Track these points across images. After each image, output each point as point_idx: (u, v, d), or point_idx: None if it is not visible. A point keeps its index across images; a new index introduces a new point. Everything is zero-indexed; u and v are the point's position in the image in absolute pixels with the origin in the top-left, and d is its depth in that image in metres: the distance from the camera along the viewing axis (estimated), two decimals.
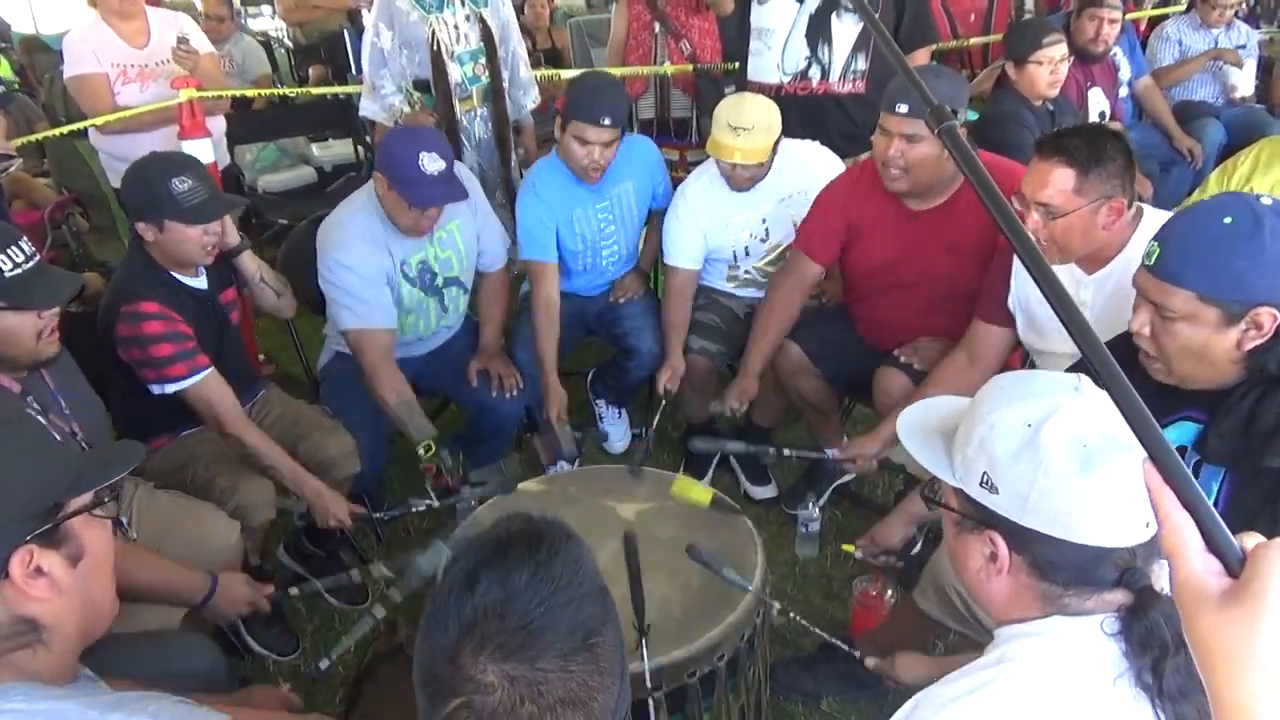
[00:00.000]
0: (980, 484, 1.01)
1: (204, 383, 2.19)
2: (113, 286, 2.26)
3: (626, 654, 0.91)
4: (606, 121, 2.65)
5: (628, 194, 2.96)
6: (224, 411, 2.22)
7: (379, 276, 2.50)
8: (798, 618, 1.90)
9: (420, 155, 2.34)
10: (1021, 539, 0.99)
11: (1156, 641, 0.92)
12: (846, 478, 2.92)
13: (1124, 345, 1.55)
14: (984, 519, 1.02)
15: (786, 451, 2.53)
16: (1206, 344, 1.42)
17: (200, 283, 2.32)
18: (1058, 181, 1.88)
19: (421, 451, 2.40)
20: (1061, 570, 0.97)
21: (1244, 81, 4.52)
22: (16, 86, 5.72)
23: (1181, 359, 1.46)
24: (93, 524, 1.13)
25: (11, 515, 1.03)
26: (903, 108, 2.27)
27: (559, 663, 0.81)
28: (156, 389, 2.17)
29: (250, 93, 4.74)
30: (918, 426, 1.13)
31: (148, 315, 2.14)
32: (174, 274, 2.26)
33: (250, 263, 2.48)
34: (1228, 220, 1.40)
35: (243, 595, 1.97)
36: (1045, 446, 0.96)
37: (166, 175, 2.14)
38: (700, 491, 2.08)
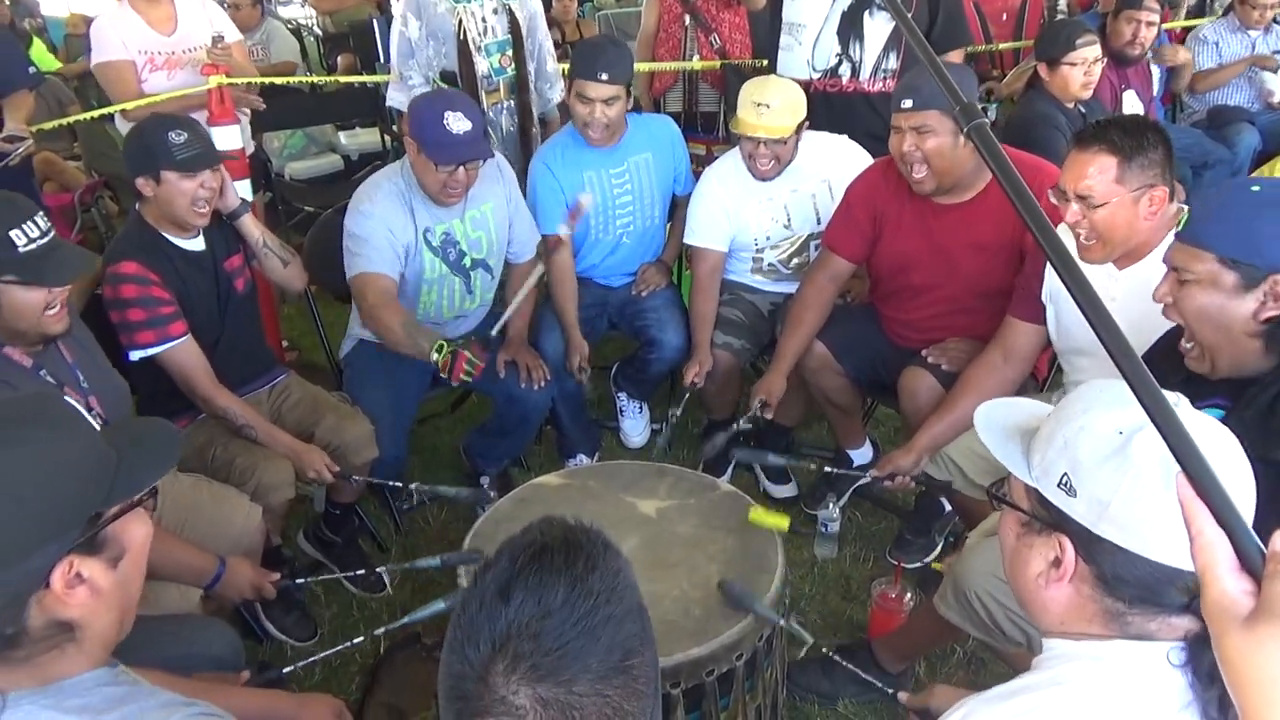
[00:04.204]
0: (1058, 485, 0.97)
1: (175, 350, 2.22)
2: (106, 252, 2.28)
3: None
4: (603, 77, 2.68)
5: (646, 165, 2.96)
6: (195, 377, 2.25)
7: (397, 234, 2.51)
8: (833, 654, 1.90)
9: (445, 114, 2.37)
10: (1092, 547, 0.95)
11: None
12: (866, 479, 2.89)
13: (1171, 339, 1.55)
14: (1055, 522, 0.98)
15: (827, 469, 2.54)
16: (1223, 310, 1.43)
17: (197, 244, 2.33)
18: (1099, 170, 1.86)
19: (435, 355, 2.35)
20: (1129, 586, 0.94)
21: None
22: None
23: (1200, 322, 1.46)
24: (133, 517, 1.06)
25: (48, 533, 0.96)
26: (907, 102, 2.28)
27: (595, 686, 0.77)
28: (130, 354, 2.19)
29: (279, 80, 4.75)
30: (996, 423, 1.10)
31: (125, 277, 2.16)
32: (168, 236, 2.28)
33: (252, 227, 2.47)
34: (1255, 189, 1.44)
35: (248, 579, 1.98)
36: (1135, 455, 0.93)
37: (164, 128, 2.20)
38: (777, 518, 1.98)
